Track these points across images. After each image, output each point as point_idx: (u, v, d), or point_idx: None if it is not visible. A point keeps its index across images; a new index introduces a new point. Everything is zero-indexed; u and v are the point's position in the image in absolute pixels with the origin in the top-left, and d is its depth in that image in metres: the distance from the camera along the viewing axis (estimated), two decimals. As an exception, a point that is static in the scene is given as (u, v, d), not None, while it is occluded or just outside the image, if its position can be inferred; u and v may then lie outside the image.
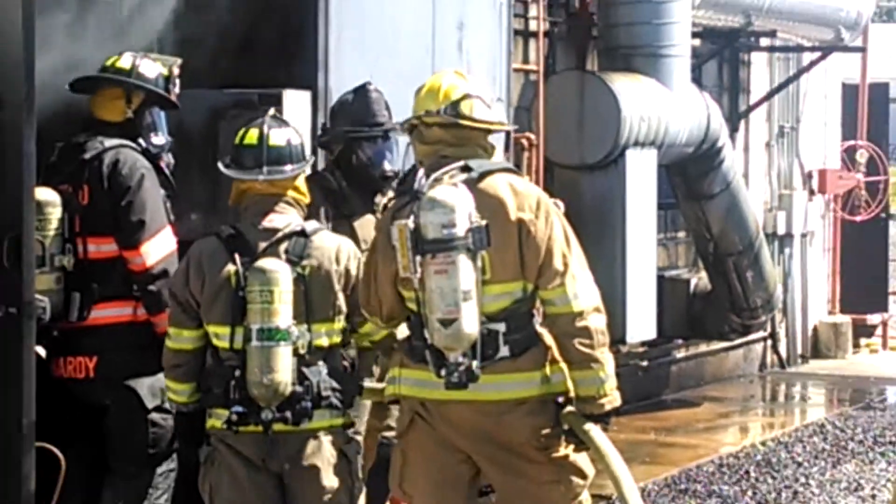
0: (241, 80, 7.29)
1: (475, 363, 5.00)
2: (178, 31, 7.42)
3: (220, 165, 5.72)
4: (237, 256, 5.51)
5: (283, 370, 5.41)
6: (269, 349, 5.39)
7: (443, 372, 5.03)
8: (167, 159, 6.53)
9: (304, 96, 7.20)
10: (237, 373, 5.47)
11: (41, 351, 6.18)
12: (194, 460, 5.91)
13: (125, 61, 6.42)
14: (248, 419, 5.47)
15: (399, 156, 6.78)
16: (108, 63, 6.44)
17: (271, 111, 6.05)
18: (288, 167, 5.64)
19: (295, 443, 5.53)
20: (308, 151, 5.78)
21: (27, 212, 6.08)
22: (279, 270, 5.44)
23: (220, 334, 5.53)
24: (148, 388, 6.33)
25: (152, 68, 6.45)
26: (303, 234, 5.58)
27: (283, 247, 5.55)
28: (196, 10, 7.49)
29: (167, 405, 6.35)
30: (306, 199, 5.75)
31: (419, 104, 5.28)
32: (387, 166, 6.73)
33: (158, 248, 6.27)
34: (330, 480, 5.55)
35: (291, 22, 7.43)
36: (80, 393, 6.37)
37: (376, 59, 7.71)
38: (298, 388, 5.46)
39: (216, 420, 5.56)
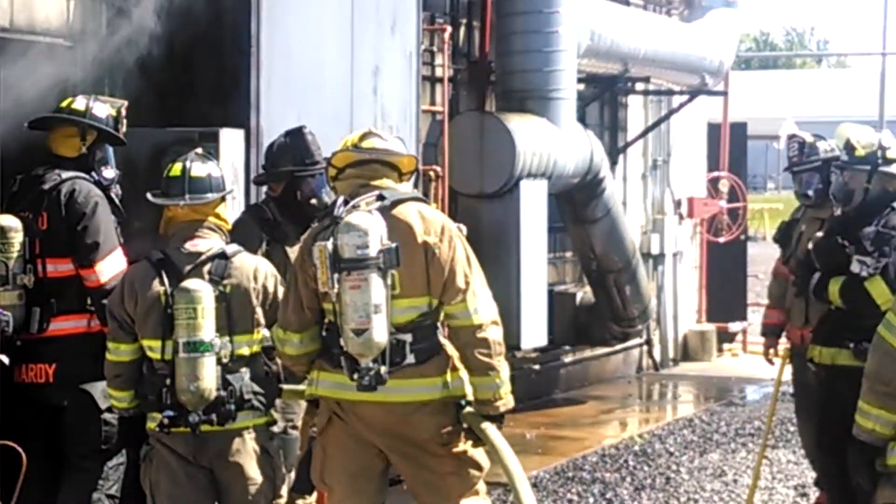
0: (183, 120, 7.27)
1: (383, 368, 5.00)
2: (126, 74, 7.40)
3: (148, 195, 5.72)
4: (165, 278, 5.50)
5: (208, 378, 5.40)
6: (195, 360, 5.38)
7: (355, 375, 5.02)
8: (116, 190, 6.50)
9: (238, 134, 7.19)
10: (168, 381, 5.45)
11: (5, 359, 6.12)
12: (136, 458, 5.88)
13: (79, 103, 6.38)
14: (179, 421, 5.45)
15: (326, 188, 6.81)
16: (64, 104, 6.40)
17: (198, 149, 6.09)
18: (208, 195, 5.64)
19: (221, 441, 5.51)
20: (228, 183, 5.80)
21: (-9, 234, 6.03)
22: (202, 290, 5.43)
23: (153, 347, 5.50)
24: (101, 391, 6.26)
25: (103, 109, 6.42)
26: (223, 256, 5.57)
27: (206, 268, 5.53)
28: (141, 56, 7.48)
29: (119, 408, 6.32)
30: (227, 226, 5.75)
31: (335, 153, 5.30)
32: (325, 198, 6.76)
33: (111, 266, 6.24)
34: (254, 473, 5.54)
35: (227, 68, 7.39)
36: (40, 396, 6.31)
37: (302, 101, 7.70)
38: (223, 393, 5.45)
39: (152, 422, 5.54)
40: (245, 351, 5.52)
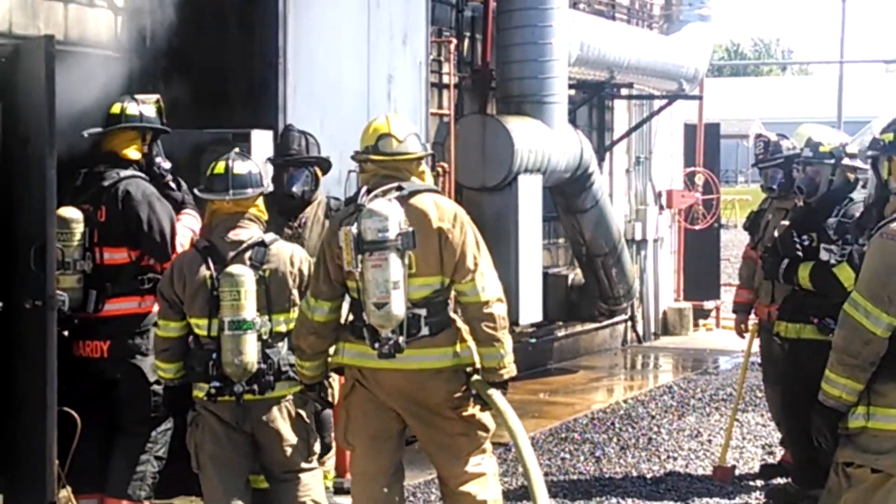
0: (218, 123, 7.27)
1: (401, 339, 5.02)
2: (166, 81, 7.41)
3: (195, 191, 5.75)
4: (211, 263, 5.52)
5: (250, 352, 5.43)
6: (239, 336, 5.42)
7: (376, 345, 5.04)
8: (171, 177, 6.52)
9: (267, 135, 7.19)
10: (214, 355, 5.47)
11: (64, 332, 6.14)
12: (181, 424, 5.90)
13: (132, 109, 6.40)
14: (224, 391, 5.48)
15: (300, 182, 6.82)
16: (117, 111, 6.39)
17: (236, 149, 6.11)
18: (249, 190, 5.66)
19: (262, 408, 5.55)
20: (266, 179, 5.81)
21: (49, 225, 6.05)
22: (245, 274, 5.46)
23: (200, 325, 5.53)
24: (150, 365, 6.30)
25: (150, 109, 6.44)
26: (263, 244, 5.60)
27: (247, 255, 5.56)
28: (180, 66, 7.48)
29: (167, 379, 6.34)
30: (265, 217, 5.77)
31: (360, 144, 5.32)
32: (295, 189, 6.79)
33: (182, 245, 6.28)
34: (290, 435, 5.58)
35: (257, 77, 7.41)
36: (95, 369, 6.35)
37: (323, 106, 7.70)
38: (263, 366, 5.49)
39: (199, 391, 5.57)
40: (282, 328, 5.56)
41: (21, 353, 6.19)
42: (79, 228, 6.23)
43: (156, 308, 6.34)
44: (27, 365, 6.14)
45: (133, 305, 6.33)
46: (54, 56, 6.08)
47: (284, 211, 6.79)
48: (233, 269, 5.48)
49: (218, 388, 5.49)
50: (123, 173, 6.33)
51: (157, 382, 6.29)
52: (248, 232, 5.63)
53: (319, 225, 6.80)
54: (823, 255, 6.76)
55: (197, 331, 5.58)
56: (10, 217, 6.28)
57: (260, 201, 5.75)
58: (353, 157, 5.38)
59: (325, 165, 6.98)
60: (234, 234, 5.61)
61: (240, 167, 5.68)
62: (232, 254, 5.55)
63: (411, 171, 5.24)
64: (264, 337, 5.50)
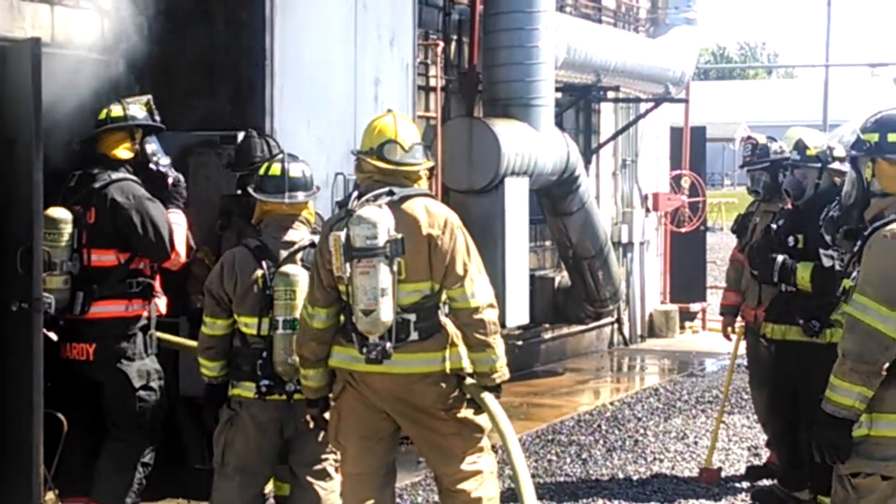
0: (206, 124, 7.26)
1: (389, 344, 5.02)
2: (153, 84, 7.40)
3: (249, 189, 5.78)
4: (264, 263, 5.53)
5: None
6: (292, 336, 5.43)
7: (364, 350, 5.04)
8: (174, 174, 6.51)
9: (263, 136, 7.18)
10: (264, 354, 5.48)
11: (52, 336, 6.12)
12: (215, 419, 5.85)
13: (117, 110, 6.40)
14: (274, 390, 5.49)
15: None
16: (103, 116, 6.41)
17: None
18: (301, 194, 5.69)
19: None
20: (316, 182, 5.83)
21: (36, 227, 6.04)
22: (299, 275, 5.49)
23: (249, 323, 5.55)
24: (136, 370, 6.30)
25: (137, 109, 6.45)
26: (313, 245, 5.61)
27: (299, 255, 5.59)
28: (168, 68, 7.47)
29: (153, 384, 6.33)
30: (313, 219, 5.79)
31: (362, 141, 5.29)
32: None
33: (179, 246, 6.31)
34: (326, 436, 5.58)
35: (244, 78, 7.39)
36: (81, 372, 6.31)
37: (311, 107, 7.69)
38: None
39: (244, 391, 5.56)
40: None
41: (7, 355, 6.17)
42: (67, 229, 6.21)
43: (144, 312, 6.35)
44: (13, 367, 6.12)
45: (120, 309, 6.30)
46: (41, 58, 6.06)
47: (246, 215, 6.74)
48: (287, 268, 5.51)
49: (268, 387, 5.50)
50: (115, 175, 6.32)
51: (144, 388, 6.29)
52: (299, 234, 5.68)
53: None
54: (826, 262, 6.77)
55: (245, 329, 5.59)
56: (-3, 219, 6.27)
57: (310, 205, 5.79)
58: (353, 153, 5.35)
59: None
60: (286, 236, 5.65)
61: (295, 170, 5.73)
62: (284, 254, 5.58)
63: (410, 178, 5.23)
64: (297, 333, 5.50)
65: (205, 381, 5.79)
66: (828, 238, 6.81)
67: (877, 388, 4.36)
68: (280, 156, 5.85)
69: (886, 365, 4.34)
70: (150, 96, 6.56)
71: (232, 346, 5.66)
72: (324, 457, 5.64)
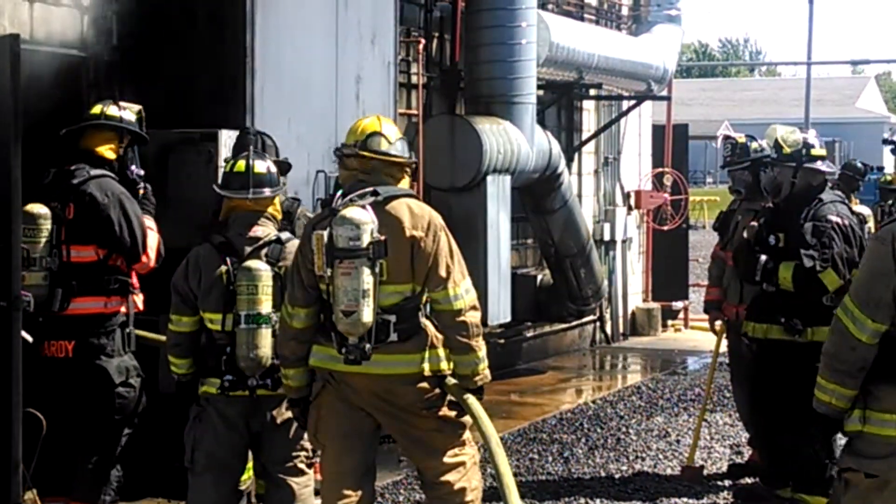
0: (186, 122, 7.25)
1: (368, 346, 5.01)
2: (133, 81, 7.39)
3: (214, 187, 5.77)
4: (228, 259, 5.54)
5: (265, 347, 5.47)
6: (255, 330, 5.45)
7: (343, 350, 5.04)
8: (144, 185, 6.52)
9: (235, 135, 7.17)
10: (228, 349, 5.49)
11: (28, 337, 6.10)
12: (178, 420, 5.86)
13: (112, 110, 6.40)
14: (238, 385, 5.49)
15: None
16: (98, 111, 6.39)
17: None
18: (267, 190, 5.69)
19: (272, 403, 5.59)
20: (281, 179, 5.83)
21: (15, 225, 5.98)
22: (263, 269, 5.49)
23: (214, 319, 5.55)
24: (115, 367, 6.28)
25: (130, 115, 6.44)
26: (279, 241, 5.62)
27: (263, 251, 5.59)
28: (148, 65, 7.46)
29: (132, 381, 6.32)
30: (279, 216, 5.79)
31: (346, 139, 5.30)
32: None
33: (152, 248, 6.31)
34: (298, 431, 5.62)
35: (225, 76, 7.39)
36: (60, 369, 6.30)
37: (292, 105, 7.70)
38: (275, 361, 5.50)
39: (210, 387, 5.58)
40: None
41: (-15, 354, 6.14)
42: (46, 225, 6.19)
43: (123, 308, 6.34)
44: (-9, 366, 6.10)
45: (99, 305, 6.29)
46: (20, 55, 6.04)
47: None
48: (250, 263, 5.51)
49: (232, 382, 5.52)
50: (93, 172, 6.30)
51: (123, 384, 6.28)
52: (265, 230, 5.67)
53: None
54: (807, 262, 6.80)
55: (210, 325, 5.59)
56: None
57: (276, 201, 5.78)
58: (336, 152, 5.35)
59: (284, 167, 6.97)
60: (251, 232, 5.65)
61: (260, 166, 5.72)
62: (249, 250, 5.59)
63: (393, 175, 5.22)
64: (278, 332, 5.51)
65: (174, 378, 5.79)
66: (808, 238, 6.87)
67: (856, 386, 4.38)
68: (245, 152, 5.83)
69: (863, 363, 4.35)
70: (141, 107, 6.55)
71: (199, 342, 5.66)
72: (294, 454, 5.64)
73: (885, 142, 4.64)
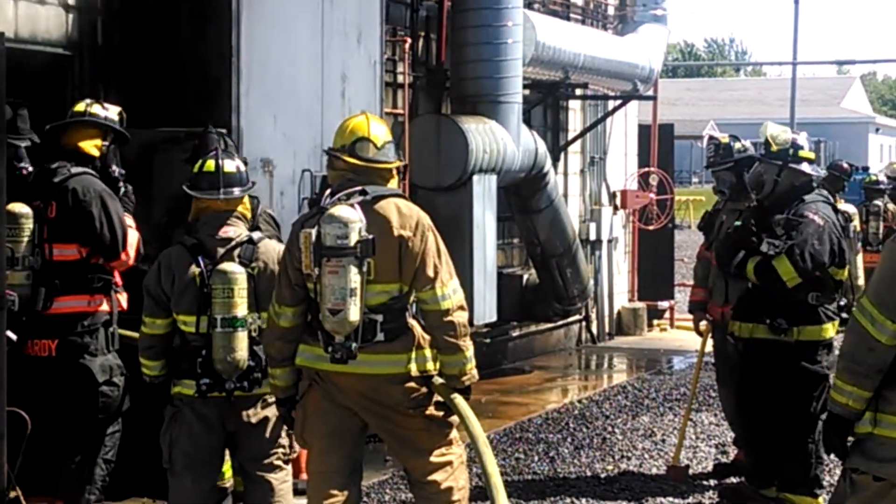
0: (171, 121, 7.25)
1: (354, 345, 5.02)
2: (118, 80, 7.37)
3: (184, 188, 5.74)
4: (200, 260, 5.52)
5: (242, 349, 5.46)
6: (231, 334, 5.43)
7: (329, 349, 5.04)
8: (124, 184, 6.52)
9: (220, 133, 7.17)
10: (203, 352, 5.47)
11: (13, 336, 6.09)
12: (151, 422, 5.85)
13: (96, 108, 6.41)
14: (215, 388, 5.49)
15: None
16: (81, 108, 6.41)
17: (222, 144, 6.11)
18: (237, 189, 5.67)
19: (248, 404, 5.59)
20: (250, 177, 5.81)
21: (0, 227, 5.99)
22: (238, 272, 5.47)
23: (188, 322, 5.53)
24: (99, 366, 6.28)
25: (114, 113, 6.45)
26: (251, 241, 5.61)
27: (236, 252, 5.57)
28: (133, 64, 7.45)
29: (115, 380, 6.32)
30: (249, 215, 5.77)
31: (334, 139, 5.30)
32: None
33: (131, 247, 6.31)
34: (274, 430, 5.61)
35: (211, 76, 7.38)
36: (44, 368, 6.29)
37: (277, 104, 7.69)
38: (251, 363, 5.49)
39: (184, 388, 5.56)
40: None
41: (-31, 353, 6.13)
42: (28, 224, 6.18)
43: (106, 307, 6.33)
44: (-24, 366, 6.08)
45: (82, 304, 6.29)
46: (4, 53, 6.02)
47: None
48: (225, 266, 5.48)
49: (209, 385, 5.50)
50: (74, 170, 6.31)
51: (106, 383, 6.28)
52: (236, 230, 5.64)
53: None
54: (764, 248, 6.88)
55: (184, 328, 5.57)
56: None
57: (245, 200, 5.76)
58: (325, 152, 5.35)
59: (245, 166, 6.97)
60: (222, 232, 5.62)
61: (229, 165, 5.69)
62: (221, 251, 5.56)
63: (382, 176, 5.22)
64: (253, 334, 5.51)
65: (146, 380, 5.77)
66: (777, 229, 6.92)
67: (872, 388, 4.36)
68: (213, 152, 5.81)
69: (882, 365, 4.33)
70: (121, 108, 6.56)
71: (172, 344, 5.64)
72: (272, 451, 5.64)
73: None
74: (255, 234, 5.64)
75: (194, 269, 5.51)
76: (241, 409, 5.56)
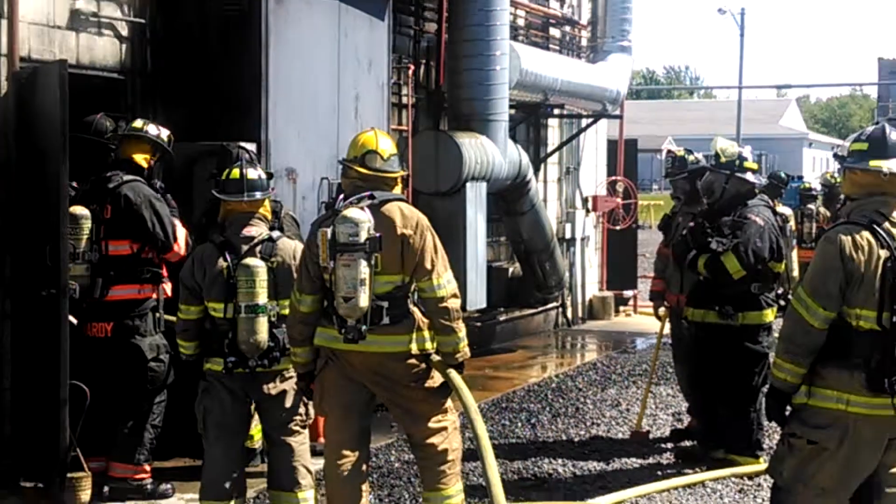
0: (209, 136, 7.25)
1: (364, 327, 5.03)
2: (165, 100, 7.37)
3: (214, 192, 5.75)
4: (227, 256, 5.53)
5: (263, 332, 5.45)
6: (254, 319, 5.44)
7: (342, 331, 5.06)
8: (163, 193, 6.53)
9: (251, 146, 7.17)
10: (230, 334, 5.48)
11: (73, 320, 6.11)
12: (188, 394, 5.85)
13: (150, 128, 6.44)
14: (240, 365, 5.49)
15: None
16: (139, 126, 6.44)
17: (246, 156, 6.10)
18: (258, 193, 5.68)
19: (268, 378, 5.58)
20: (271, 183, 5.82)
21: (63, 227, 6.02)
22: (260, 266, 5.47)
23: (217, 308, 5.53)
24: (148, 345, 6.29)
25: (165, 134, 6.47)
26: (271, 239, 5.61)
27: (258, 248, 5.57)
28: (177, 86, 7.44)
29: (162, 357, 6.32)
30: (269, 216, 5.78)
31: (347, 152, 5.31)
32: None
33: (181, 240, 6.33)
34: (291, 400, 5.61)
35: (243, 96, 7.38)
36: (101, 348, 6.30)
37: (300, 121, 7.69)
38: (271, 343, 5.49)
39: (214, 365, 5.56)
40: (287, 312, 5.54)
41: (39, 334, 6.15)
42: (87, 224, 6.22)
43: (154, 294, 6.34)
44: (44, 345, 6.10)
45: (133, 292, 6.30)
46: (67, 78, 6.04)
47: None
48: (249, 261, 5.49)
49: (234, 363, 5.51)
50: (126, 177, 6.33)
51: (154, 360, 6.29)
52: (258, 229, 5.64)
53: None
54: (714, 245, 6.93)
55: (214, 313, 5.57)
56: (29, 219, 6.24)
57: (266, 203, 5.77)
58: (340, 162, 5.37)
59: (268, 175, 6.95)
60: (246, 231, 5.62)
61: (252, 173, 5.70)
62: (245, 248, 5.57)
63: (388, 183, 5.24)
64: (272, 319, 5.52)
65: (182, 358, 5.78)
66: (724, 229, 6.96)
67: (807, 365, 4.38)
68: (239, 162, 5.83)
69: (815, 346, 4.35)
70: (170, 132, 6.57)
71: (203, 327, 5.66)
72: (291, 418, 5.65)
73: (835, 157, 4.65)
74: (275, 233, 5.65)
75: (222, 263, 5.52)
76: (262, 383, 5.56)
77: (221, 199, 5.68)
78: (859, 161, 4.44)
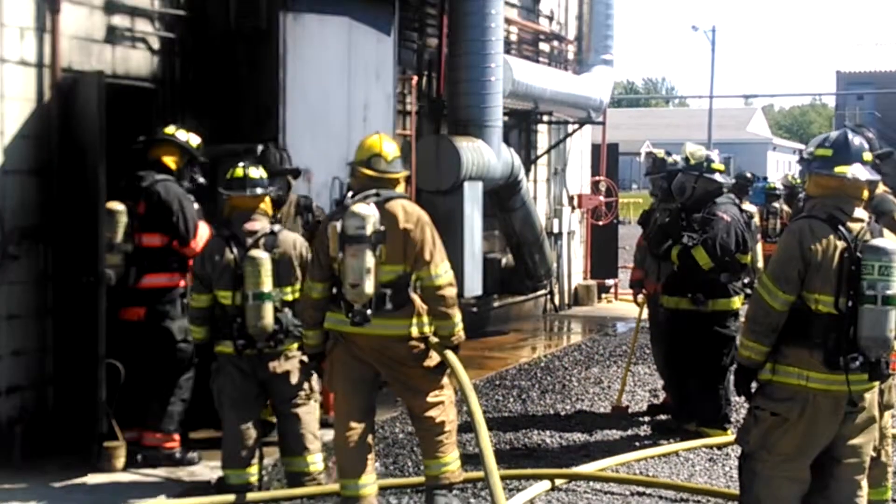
0: (232, 139, 7.24)
1: (369, 312, 5.05)
2: (192, 107, 7.35)
3: (220, 189, 5.74)
4: (234, 248, 5.52)
5: (268, 317, 5.46)
6: (260, 305, 5.44)
7: (349, 315, 5.06)
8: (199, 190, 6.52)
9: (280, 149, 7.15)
10: (238, 319, 5.48)
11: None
12: (206, 373, 5.86)
13: (180, 134, 6.43)
14: (248, 347, 5.49)
15: (275, 188, 6.71)
16: (171, 132, 6.43)
17: (250, 157, 6.10)
18: (259, 190, 5.67)
19: (273, 358, 5.57)
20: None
21: (101, 220, 6.02)
22: (264, 257, 5.47)
23: (226, 296, 5.53)
24: (177, 328, 6.29)
25: (194, 140, 6.46)
26: (273, 233, 5.61)
27: (261, 241, 5.57)
28: (203, 95, 7.42)
29: (189, 338, 6.32)
30: (271, 212, 5.77)
31: (355, 154, 5.31)
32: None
33: (200, 239, 6.30)
34: (296, 379, 5.61)
35: (262, 104, 7.38)
36: (134, 330, 6.29)
37: (314, 127, 7.68)
38: (276, 327, 5.49)
39: (225, 347, 5.56)
40: (289, 298, 5.59)
41: (78, 318, 6.15)
42: (123, 219, 6.22)
43: (182, 283, 6.33)
44: (83, 327, 6.10)
45: (164, 280, 6.30)
46: (104, 87, 6.02)
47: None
48: (253, 253, 5.49)
49: (244, 345, 5.49)
50: (158, 176, 6.33)
51: (183, 341, 6.28)
52: (260, 224, 5.64)
53: (291, 219, 6.78)
54: (685, 240, 6.94)
55: (223, 301, 5.57)
56: (69, 214, 6.23)
57: (267, 200, 5.74)
58: (349, 164, 5.37)
59: (296, 174, 6.96)
60: (249, 225, 5.62)
61: (254, 172, 5.72)
62: (250, 241, 5.56)
63: (391, 184, 5.24)
64: (276, 305, 5.52)
65: (194, 342, 5.78)
66: (695, 225, 6.97)
67: (770, 344, 4.38)
68: (241, 162, 5.82)
69: (775, 326, 4.36)
70: (200, 139, 6.54)
71: (214, 314, 5.64)
72: (296, 392, 5.65)
73: (800, 160, 4.69)
74: (276, 227, 5.65)
75: (230, 255, 5.53)
76: (268, 363, 5.57)
77: (227, 195, 5.68)
78: (824, 167, 4.44)
